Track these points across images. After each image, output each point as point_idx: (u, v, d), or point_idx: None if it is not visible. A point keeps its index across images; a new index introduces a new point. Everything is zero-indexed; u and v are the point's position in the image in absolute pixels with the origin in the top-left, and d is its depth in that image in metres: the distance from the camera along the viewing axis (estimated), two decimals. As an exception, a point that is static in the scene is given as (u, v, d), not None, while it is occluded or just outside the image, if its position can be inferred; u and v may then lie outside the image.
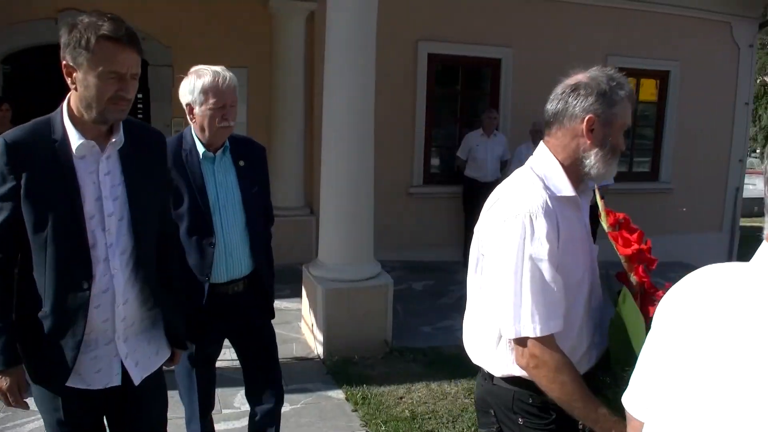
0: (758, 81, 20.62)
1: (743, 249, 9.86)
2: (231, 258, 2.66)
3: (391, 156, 7.52)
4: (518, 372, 1.75)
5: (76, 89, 1.87)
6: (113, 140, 1.96)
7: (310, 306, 5.15)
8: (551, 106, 1.82)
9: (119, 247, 1.99)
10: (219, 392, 3.16)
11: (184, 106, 2.62)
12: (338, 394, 4.33)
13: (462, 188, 8.01)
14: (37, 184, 1.85)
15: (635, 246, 1.86)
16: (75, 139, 1.90)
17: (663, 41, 8.89)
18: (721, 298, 0.94)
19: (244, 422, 3.26)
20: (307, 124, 7.41)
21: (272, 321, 2.89)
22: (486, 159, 7.77)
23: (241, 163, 2.70)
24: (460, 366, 4.80)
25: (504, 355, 1.78)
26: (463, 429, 3.90)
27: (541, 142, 1.88)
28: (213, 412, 2.93)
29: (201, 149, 2.62)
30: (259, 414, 2.87)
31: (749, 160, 13.21)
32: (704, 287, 0.98)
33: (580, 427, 1.80)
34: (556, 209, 1.72)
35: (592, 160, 1.77)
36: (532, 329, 1.64)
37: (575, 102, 1.76)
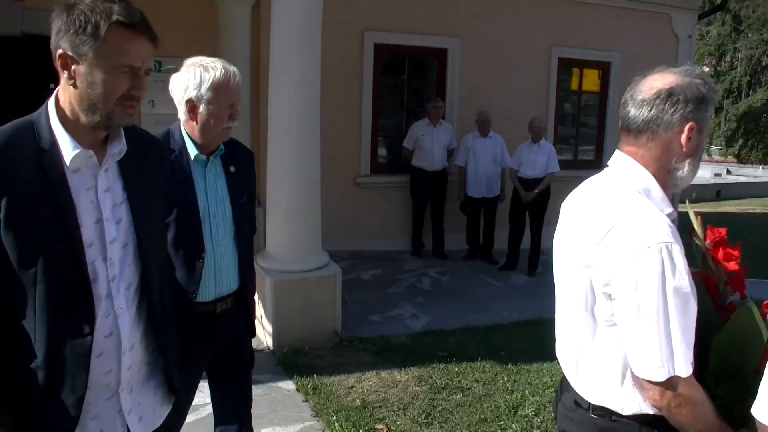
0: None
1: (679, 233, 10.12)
2: (220, 273, 2.39)
3: (339, 146, 7.49)
4: (652, 411, 1.60)
5: (74, 85, 1.49)
6: (114, 149, 1.59)
7: (259, 297, 5.09)
8: (641, 113, 1.62)
9: (124, 281, 1.61)
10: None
11: (182, 103, 2.33)
12: (289, 385, 4.32)
13: (409, 178, 8.02)
14: (21, 206, 1.45)
15: (734, 263, 1.73)
16: (68, 148, 1.51)
17: (605, 32, 9.08)
18: None
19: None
20: (253, 115, 7.31)
21: None
22: (432, 148, 7.77)
23: (232, 168, 2.45)
24: (409, 354, 4.87)
25: (632, 394, 1.62)
26: (414, 416, 3.94)
27: (621, 153, 1.69)
28: None
29: (193, 151, 2.34)
30: None
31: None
32: None
33: None
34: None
35: (685, 169, 1.63)
36: (685, 369, 1.49)
37: (672, 109, 1.58)
